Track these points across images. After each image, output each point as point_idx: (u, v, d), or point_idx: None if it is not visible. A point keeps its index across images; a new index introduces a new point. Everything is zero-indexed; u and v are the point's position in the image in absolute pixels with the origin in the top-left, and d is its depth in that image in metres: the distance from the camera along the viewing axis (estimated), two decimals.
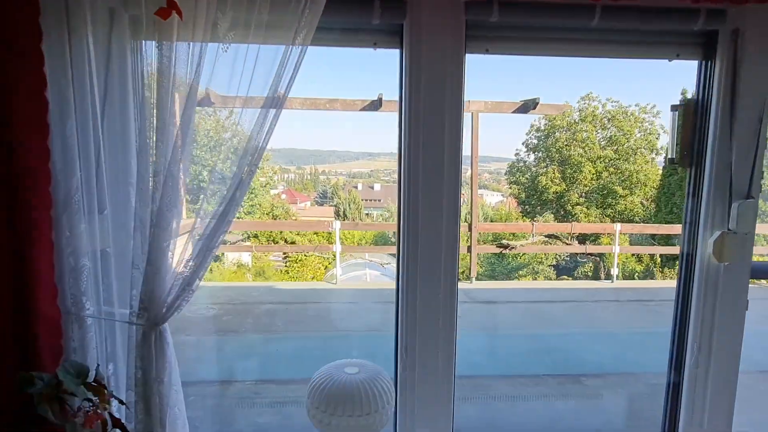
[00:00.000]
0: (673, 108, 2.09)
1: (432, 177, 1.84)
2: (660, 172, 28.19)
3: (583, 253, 6.67)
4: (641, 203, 26.71)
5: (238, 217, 18.12)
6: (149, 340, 1.62)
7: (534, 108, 6.04)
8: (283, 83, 1.56)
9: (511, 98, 6.18)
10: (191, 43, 1.44)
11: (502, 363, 3.77)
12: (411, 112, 1.82)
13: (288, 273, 15.49)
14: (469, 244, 6.36)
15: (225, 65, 1.57)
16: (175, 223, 1.63)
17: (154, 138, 1.53)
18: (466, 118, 6.15)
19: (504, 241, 6.38)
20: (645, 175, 26.73)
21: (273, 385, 3.13)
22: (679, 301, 2.19)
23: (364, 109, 5.84)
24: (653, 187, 27.17)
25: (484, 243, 19.33)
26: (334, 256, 6.23)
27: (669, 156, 2.09)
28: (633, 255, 15.41)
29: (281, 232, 17.52)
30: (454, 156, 1.84)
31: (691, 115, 2.03)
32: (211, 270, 12.36)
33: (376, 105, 5.84)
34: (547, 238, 6.85)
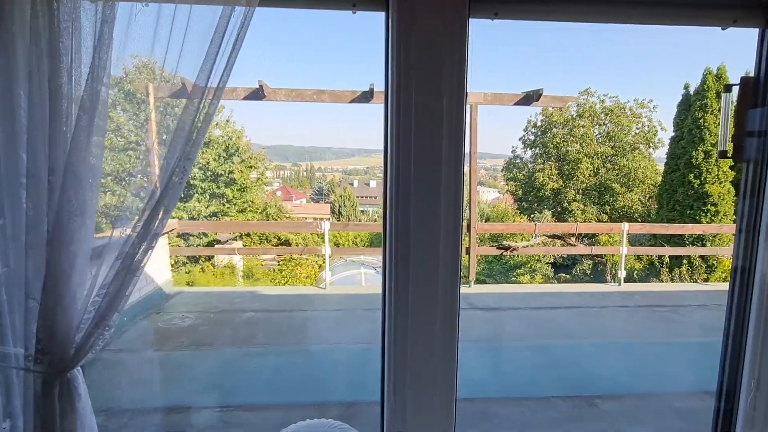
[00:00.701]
0: (726, 88, 1.70)
1: (427, 173, 1.44)
2: (658, 168, 27.97)
3: (589, 255, 6.28)
4: (640, 200, 26.47)
5: (225, 215, 17.61)
6: (52, 391, 1.22)
7: (537, 100, 5.65)
8: (221, 59, 1.14)
9: (511, 90, 5.76)
10: None
11: (506, 382, 3.39)
12: (400, 93, 1.41)
13: (281, 272, 15.06)
14: (467, 245, 5.97)
15: (145, 27, 1.18)
16: (83, 236, 1.22)
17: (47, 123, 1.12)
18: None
19: (505, 243, 5.99)
20: (643, 172, 26.49)
21: (245, 413, 2.72)
22: (731, 327, 1.80)
23: (354, 100, 5.43)
24: (651, 185, 26.93)
25: (482, 243, 19.02)
26: (324, 258, 5.83)
27: (720, 148, 1.71)
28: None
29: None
30: (454, 147, 1.44)
31: (750, 97, 1.64)
32: (188, 272, 11.84)
33: (367, 96, 5.43)
34: (549, 238, 6.46)
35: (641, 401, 3.05)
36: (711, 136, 12.98)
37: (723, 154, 1.71)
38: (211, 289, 6.56)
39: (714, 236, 12.30)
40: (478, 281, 18.51)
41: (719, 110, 13.08)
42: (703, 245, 12.37)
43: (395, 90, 1.38)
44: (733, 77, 13.63)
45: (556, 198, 30.19)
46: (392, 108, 1.39)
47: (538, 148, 32.00)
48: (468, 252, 5.94)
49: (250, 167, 18.55)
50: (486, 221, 23.73)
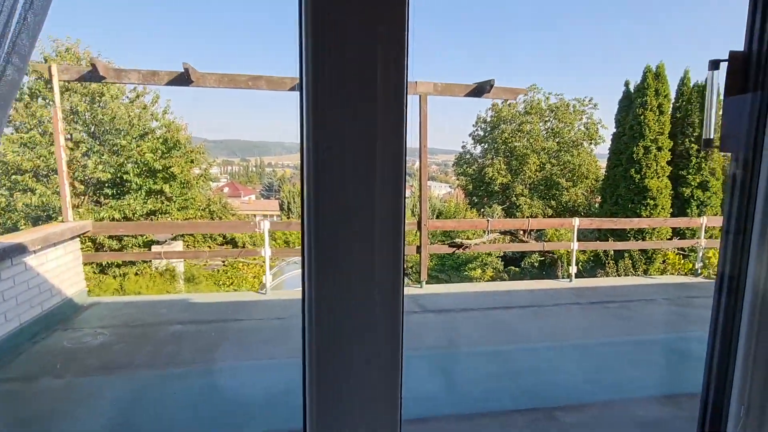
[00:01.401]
0: (712, 65, 1.45)
1: (355, 168, 1.06)
2: (599, 164, 29.20)
3: (542, 251, 6.16)
4: (583, 195, 27.53)
5: (166, 214, 16.44)
6: None
7: (489, 91, 5.42)
8: None
9: (462, 81, 5.51)
10: None
11: (461, 396, 3.10)
12: (316, 74, 1.02)
13: (227, 274, 14.20)
14: (418, 244, 5.68)
15: None
16: None
17: None
18: (413, 101, 5.43)
19: (457, 240, 5.75)
20: (587, 167, 27.58)
21: None
22: (716, 344, 1.56)
23: (294, 88, 4.96)
24: (594, 179, 28.08)
25: (434, 239, 18.94)
26: (264, 261, 5.35)
27: (705, 136, 1.46)
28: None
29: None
30: (393, 138, 1.07)
31: (740, 76, 1.40)
32: (121, 275, 10.83)
33: None
34: (501, 235, 6.29)
35: (603, 411, 2.85)
36: (650, 132, 13.50)
37: (707, 144, 1.45)
38: (135, 299, 5.88)
39: (653, 229, 12.85)
40: (430, 278, 18.42)
41: (658, 107, 13.60)
42: (643, 239, 12.87)
43: (309, 64, 1.01)
44: (673, 76, 14.21)
45: (504, 193, 30.91)
46: (307, 90, 1.02)
47: (487, 144, 32.62)
48: (419, 251, 5.65)
49: (192, 162, 17.41)
50: (438, 217, 23.81)
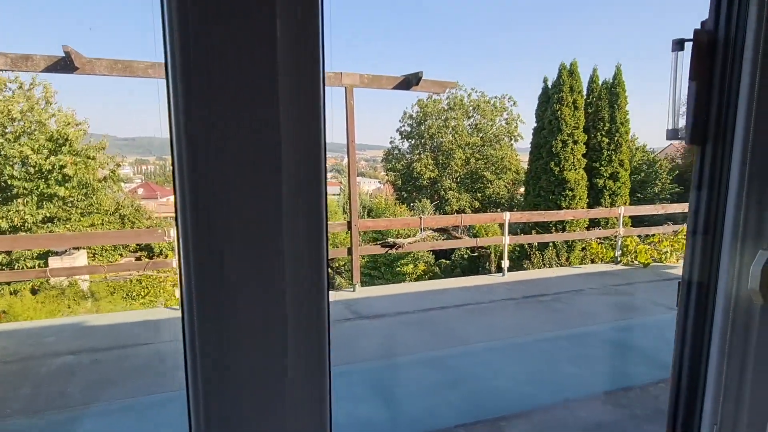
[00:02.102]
0: (677, 45, 1.27)
1: (245, 166, 0.73)
2: (519, 158, 30.62)
3: (476, 247, 6.10)
4: (506, 187, 28.72)
5: (66, 221, 14.65)
6: None
7: (417, 83, 5.22)
8: None
9: (389, 73, 5.25)
10: None
11: (398, 411, 2.85)
12: (186, 52, 0.67)
13: (141, 284, 12.91)
14: (349, 245, 5.36)
15: None
16: None
17: None
18: (338, 93, 5.09)
19: (390, 240, 5.51)
20: (509, 161, 28.80)
21: None
22: (683, 359, 1.40)
23: None
24: (515, 172, 29.40)
25: (365, 238, 18.72)
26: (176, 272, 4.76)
27: (669, 126, 1.28)
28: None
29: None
30: (309, 132, 0.76)
31: (706, 59, 1.23)
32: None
33: None
34: (434, 232, 6.16)
35: (548, 416, 2.72)
36: (567, 126, 14.23)
37: (673, 135, 1.28)
38: (18, 326, 5.01)
39: (573, 220, 13.64)
40: (363, 275, 18.15)
41: (573, 102, 14.37)
42: (564, 228, 13.61)
43: (181, 54, 0.66)
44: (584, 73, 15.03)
45: (433, 187, 31.49)
46: (174, 77, 0.67)
47: (414, 139, 33.01)
48: (350, 252, 5.34)
49: (90, 159, 15.61)
50: (368, 214, 23.65)
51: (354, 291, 5.36)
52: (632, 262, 6.76)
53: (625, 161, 14.89)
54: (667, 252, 6.76)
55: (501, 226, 6.09)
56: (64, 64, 3.96)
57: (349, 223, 5.27)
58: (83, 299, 10.53)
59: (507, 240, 6.01)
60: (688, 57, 1.24)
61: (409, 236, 6.35)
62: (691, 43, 1.23)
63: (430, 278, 19.50)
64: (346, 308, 4.76)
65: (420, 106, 31.65)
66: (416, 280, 19.37)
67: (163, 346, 3.83)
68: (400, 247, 5.55)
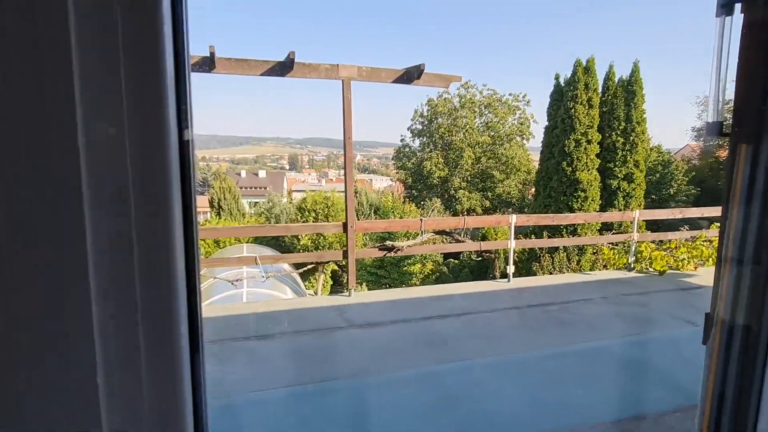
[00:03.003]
0: (723, 8, 0.94)
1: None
2: (531, 157, 30.11)
3: (480, 251, 5.77)
4: (516, 187, 28.23)
5: None
6: None
7: (418, 77, 4.91)
8: None
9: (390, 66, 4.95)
10: None
11: None
12: None
13: None
14: (345, 248, 5.08)
15: None
16: None
17: None
18: (335, 85, 4.81)
19: (388, 243, 5.21)
20: (519, 160, 28.30)
21: None
22: (723, 413, 1.09)
23: (191, 69, 4.16)
24: (525, 172, 28.88)
25: (368, 239, 18.39)
26: None
27: (710, 119, 0.96)
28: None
29: None
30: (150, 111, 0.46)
31: (758, 33, 0.91)
32: None
33: (207, 63, 4.21)
34: (436, 234, 5.85)
35: None
36: (581, 125, 13.75)
37: (717, 129, 0.96)
38: None
39: (583, 224, 13.10)
40: (369, 274, 17.79)
41: (588, 101, 13.87)
42: (575, 230, 13.14)
43: None
44: (600, 69, 14.51)
45: (443, 186, 31.10)
46: None
47: (425, 138, 32.63)
48: (345, 256, 5.06)
49: None
50: (375, 212, 23.37)
51: (349, 296, 5.08)
52: (647, 269, 6.38)
53: (640, 162, 14.36)
54: (684, 259, 6.37)
55: (512, 229, 5.76)
56: None
57: (345, 225, 4.99)
58: None
59: (513, 244, 5.67)
60: (737, 26, 0.92)
61: (409, 238, 6.05)
62: (740, 3, 0.92)
63: (437, 278, 19.20)
64: (338, 315, 4.49)
65: (431, 104, 31.27)
66: (423, 279, 19.09)
67: None
68: (399, 250, 5.25)
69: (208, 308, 5.60)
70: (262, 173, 77.86)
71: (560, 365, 3.45)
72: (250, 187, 65.07)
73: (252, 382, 3.07)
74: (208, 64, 4.20)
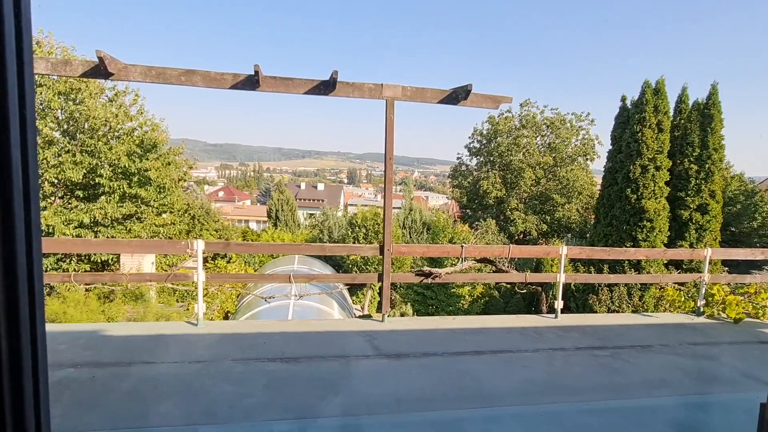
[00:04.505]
0: None
1: None
2: (595, 179, 28.62)
3: (522, 283, 5.43)
4: (578, 211, 26.87)
5: (139, 220, 15.53)
6: None
7: (465, 98, 4.71)
8: None
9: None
10: None
11: None
12: None
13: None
14: (380, 271, 4.93)
15: None
16: None
17: None
18: (379, 105, 4.72)
19: (426, 268, 5.00)
20: (581, 184, 26.96)
21: None
22: None
23: (235, 86, 4.25)
24: (588, 195, 27.43)
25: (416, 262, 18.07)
26: (196, 287, 4.57)
27: None
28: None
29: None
30: None
31: None
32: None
33: (253, 82, 4.27)
34: (478, 262, 5.55)
35: None
36: (648, 150, 12.77)
37: None
38: None
39: (647, 261, 11.97)
40: (416, 294, 17.48)
41: (657, 124, 12.88)
42: (638, 263, 12.11)
43: None
44: (672, 92, 13.53)
45: (499, 206, 30.25)
46: None
47: (482, 156, 32.04)
48: (380, 279, 4.90)
49: (168, 164, 16.50)
50: (428, 230, 23.06)
51: (382, 321, 4.91)
52: (718, 314, 5.68)
53: (716, 192, 13.04)
54: (765, 306, 5.62)
55: (563, 261, 5.39)
56: (98, 71, 3.95)
57: (382, 247, 4.84)
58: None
59: (562, 278, 5.24)
60: None
61: (455, 263, 5.79)
62: None
63: (485, 303, 18.51)
64: (367, 342, 4.32)
65: (491, 123, 30.67)
66: (472, 303, 18.46)
67: (173, 366, 3.61)
68: (437, 276, 5.02)
69: (236, 323, 5.63)
70: (320, 186, 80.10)
71: (604, 423, 3.06)
72: (308, 199, 67.04)
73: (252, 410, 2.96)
74: (252, 82, 4.25)
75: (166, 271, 16.53)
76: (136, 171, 15.09)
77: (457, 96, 4.76)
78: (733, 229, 22.50)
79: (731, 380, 3.88)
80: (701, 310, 5.72)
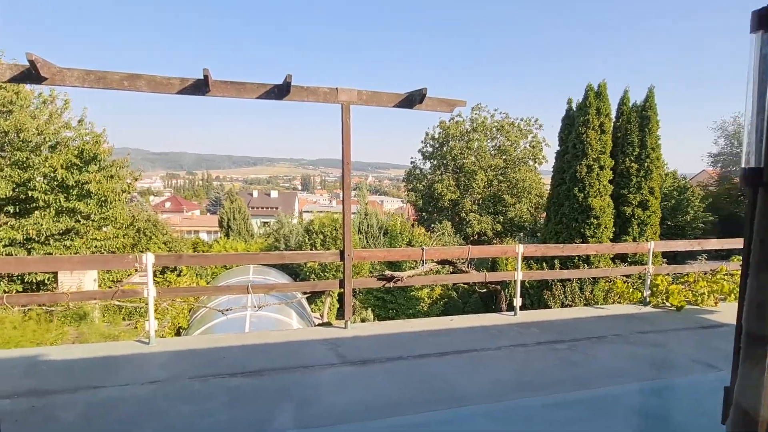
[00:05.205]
0: (759, 22, 0.73)
1: None
2: (543, 180, 29.80)
3: (482, 283, 5.50)
4: (528, 211, 27.83)
5: (77, 235, 14.57)
6: None
7: (420, 101, 4.74)
8: None
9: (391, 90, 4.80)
10: None
11: None
12: None
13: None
14: (341, 277, 4.85)
15: None
16: None
17: None
18: (335, 109, 4.66)
19: (387, 272, 4.97)
20: (530, 184, 27.98)
21: None
22: None
23: (183, 91, 4.06)
24: (537, 195, 28.47)
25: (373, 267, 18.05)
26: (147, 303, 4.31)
27: (745, 164, 0.73)
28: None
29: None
30: None
31: None
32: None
33: (201, 87, 4.09)
34: (438, 264, 5.59)
35: None
36: (593, 151, 13.46)
37: (752, 179, 0.73)
38: None
39: (596, 255, 12.65)
40: (376, 299, 17.43)
41: (600, 126, 13.64)
42: (588, 258, 12.72)
43: None
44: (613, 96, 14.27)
45: (454, 208, 30.80)
46: None
47: (436, 160, 32.54)
48: (342, 285, 4.82)
49: (111, 177, 15.56)
50: (385, 234, 23.10)
51: (345, 328, 4.83)
52: (663, 303, 6.02)
53: (655, 189, 13.94)
54: (704, 293, 6.00)
55: (520, 258, 5.50)
56: (30, 75, 3.65)
57: (342, 253, 4.76)
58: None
59: (520, 276, 5.37)
60: None
61: (415, 265, 5.80)
62: None
63: (445, 304, 18.74)
64: (331, 350, 4.22)
65: (442, 127, 31.27)
66: (431, 305, 18.64)
67: (121, 389, 3.36)
68: (398, 280, 5.00)
69: (192, 338, 5.37)
70: (274, 193, 78.29)
71: (567, 415, 3.14)
72: (262, 207, 65.39)
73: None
74: (201, 87, 4.08)
75: (111, 288, 15.60)
76: (74, 183, 14.15)
77: (413, 100, 4.78)
78: (669, 222, 24.07)
79: (682, 365, 4.10)
80: (647, 300, 6.04)
